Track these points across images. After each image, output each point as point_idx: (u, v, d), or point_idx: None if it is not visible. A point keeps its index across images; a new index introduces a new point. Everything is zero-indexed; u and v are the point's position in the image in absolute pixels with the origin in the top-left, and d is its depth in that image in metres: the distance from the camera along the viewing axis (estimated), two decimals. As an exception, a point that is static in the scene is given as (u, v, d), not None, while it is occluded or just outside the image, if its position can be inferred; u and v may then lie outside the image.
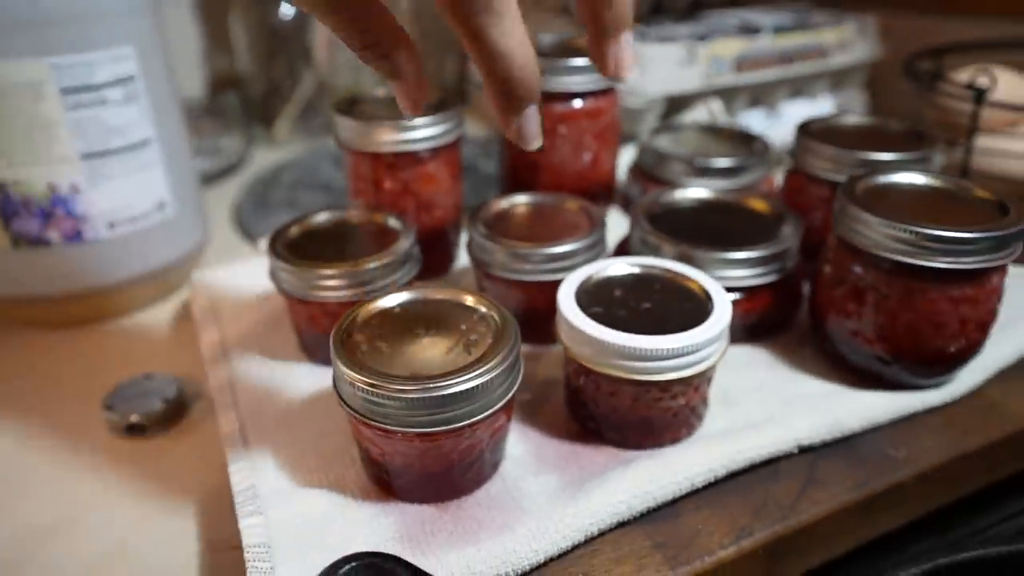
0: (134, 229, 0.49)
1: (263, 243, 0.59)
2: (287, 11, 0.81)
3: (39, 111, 0.43)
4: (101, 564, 0.32)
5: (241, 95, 0.88)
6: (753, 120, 0.70)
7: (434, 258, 0.48)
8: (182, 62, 0.88)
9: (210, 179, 0.75)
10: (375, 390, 0.28)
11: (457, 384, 0.28)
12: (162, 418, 0.41)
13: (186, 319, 0.50)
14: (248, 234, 0.63)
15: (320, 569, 0.26)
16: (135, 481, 0.37)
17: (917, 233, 0.33)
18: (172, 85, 0.52)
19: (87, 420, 0.42)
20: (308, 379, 0.39)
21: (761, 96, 0.72)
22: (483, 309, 0.33)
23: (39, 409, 0.43)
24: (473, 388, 0.28)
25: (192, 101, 0.88)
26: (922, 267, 0.33)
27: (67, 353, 0.47)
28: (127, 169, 0.47)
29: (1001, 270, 0.34)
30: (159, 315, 0.52)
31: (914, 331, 0.35)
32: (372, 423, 0.29)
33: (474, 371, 0.29)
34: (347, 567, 0.25)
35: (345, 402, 0.30)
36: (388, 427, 0.29)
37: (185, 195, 0.53)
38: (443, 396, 0.28)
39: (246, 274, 0.49)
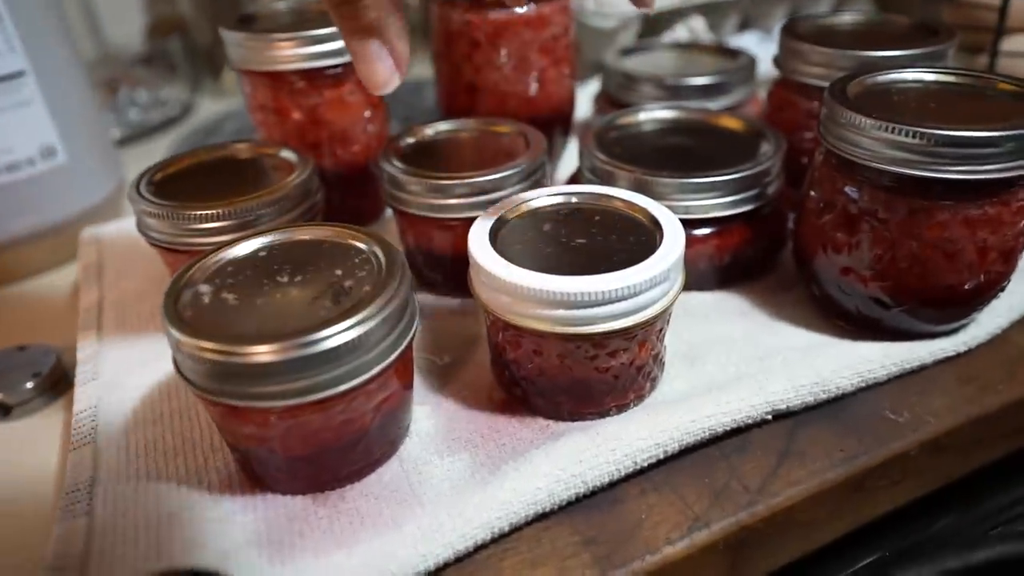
0: (14, 178, 0.42)
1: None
2: (226, -57, 0.73)
3: None
4: None
5: (185, 41, 0.80)
6: (746, 45, 0.62)
7: (355, 201, 0.41)
8: (115, 4, 0.80)
9: (151, 131, 0.68)
10: (210, 355, 0.21)
11: (320, 341, 0.22)
12: (34, 396, 0.35)
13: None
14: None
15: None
16: (-13, 472, 0.31)
17: (924, 136, 0.25)
18: (57, 10, 0.45)
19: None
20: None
21: (754, 15, 0.63)
22: (364, 247, 0.26)
23: None
24: (341, 346, 0.22)
25: (129, 48, 0.81)
26: (931, 180, 0.26)
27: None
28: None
29: (1030, 186, 0.27)
30: (54, 281, 0.45)
31: (920, 264, 0.27)
32: (210, 397, 0.22)
33: (341, 324, 0.22)
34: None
35: (180, 371, 0.23)
36: (232, 402, 0.22)
37: (83, 140, 0.46)
38: (299, 359, 0.22)
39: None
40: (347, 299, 0.23)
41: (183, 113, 0.73)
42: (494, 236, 0.27)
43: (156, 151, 0.64)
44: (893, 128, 0.26)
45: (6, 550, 0.27)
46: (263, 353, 0.21)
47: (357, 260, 0.25)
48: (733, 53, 0.48)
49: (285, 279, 0.25)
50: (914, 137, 0.26)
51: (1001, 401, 0.28)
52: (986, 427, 0.28)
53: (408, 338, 0.24)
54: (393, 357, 0.24)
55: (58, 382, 0.36)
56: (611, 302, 0.24)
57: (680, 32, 0.57)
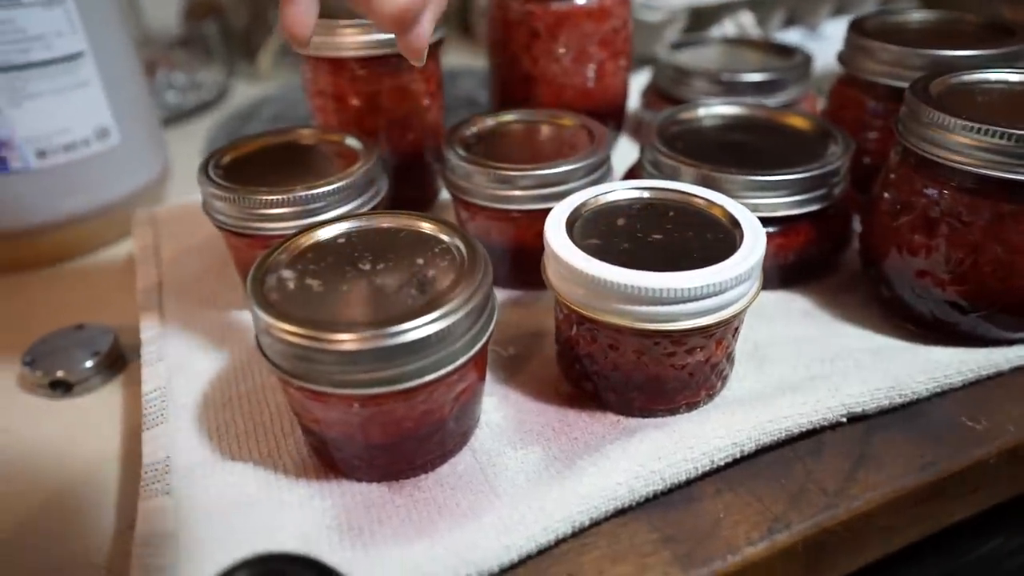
0: (70, 159, 0.42)
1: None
2: (267, -73, 0.73)
3: (-63, 13, 0.36)
4: (5, 546, 0.27)
5: (221, 24, 0.80)
6: (792, 36, 0.61)
7: (411, 191, 0.41)
8: (155, -13, 0.80)
9: (187, 115, 0.68)
10: (299, 340, 0.21)
11: (406, 332, 0.21)
12: (93, 374, 0.35)
13: (130, 264, 0.44)
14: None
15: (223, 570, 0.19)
16: (53, 447, 0.31)
17: (1014, 137, 0.25)
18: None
19: (6, 376, 0.36)
20: (250, 330, 0.33)
21: (800, 12, 0.62)
22: (445, 239, 0.26)
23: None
24: (427, 337, 0.22)
25: (166, 31, 0.81)
26: (1019, 183, 0.25)
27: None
28: (57, 87, 0.41)
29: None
30: (105, 260, 0.45)
31: (1005, 269, 0.27)
32: (298, 383, 0.22)
33: (429, 315, 0.22)
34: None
35: (265, 355, 0.23)
36: (319, 388, 0.22)
37: (134, 122, 0.46)
38: (388, 348, 0.21)
39: (197, 211, 0.43)
40: (432, 289, 0.23)
41: (218, 96, 0.73)
42: (570, 229, 0.27)
43: (195, 133, 0.64)
44: (982, 129, 0.26)
45: (72, 519, 0.27)
46: (353, 341, 0.21)
47: (437, 250, 0.25)
48: (786, 50, 0.47)
49: (367, 266, 0.25)
50: (1004, 138, 0.25)
51: (1078, 410, 0.28)
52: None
53: (489, 331, 0.24)
54: (476, 349, 0.23)
55: (116, 361, 0.36)
56: (695, 299, 0.24)
57: (728, 27, 0.57)
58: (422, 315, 0.22)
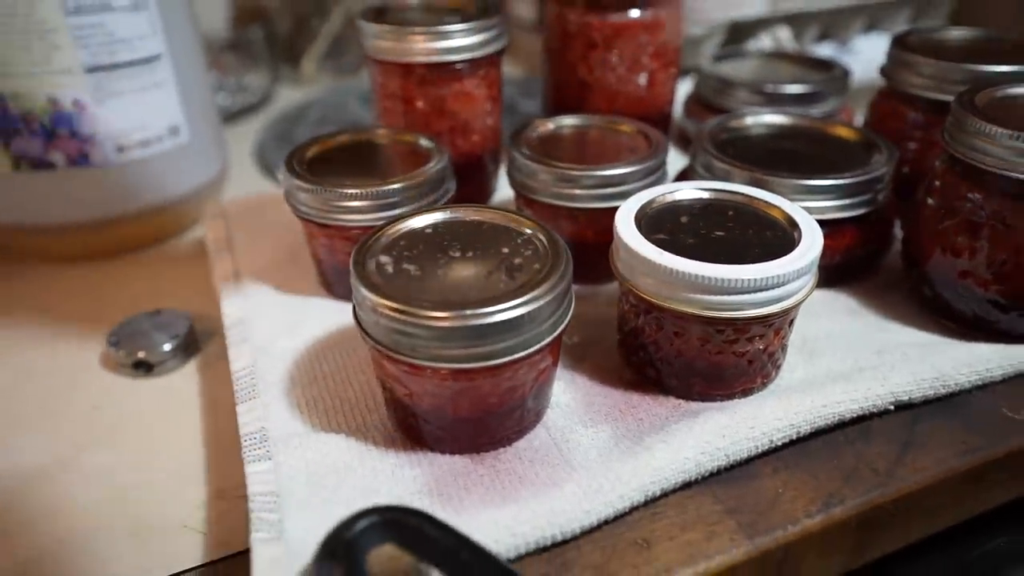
0: (145, 154, 0.45)
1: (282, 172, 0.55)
2: (315, -63, 0.76)
3: (36, 14, 0.39)
4: (99, 510, 0.29)
5: (267, 30, 0.83)
6: (825, 50, 0.63)
7: (469, 189, 0.43)
8: (205, -7, 0.83)
9: (233, 116, 0.71)
10: (401, 317, 0.24)
11: (499, 313, 0.24)
12: (171, 356, 0.38)
13: (202, 255, 0.46)
14: (270, 172, 0.59)
15: (334, 523, 0.21)
16: (140, 422, 0.34)
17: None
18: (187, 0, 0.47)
19: (91, 358, 0.38)
20: (327, 315, 0.35)
21: (832, 27, 0.64)
22: (528, 231, 0.28)
23: (41, 344, 0.39)
24: (517, 318, 0.24)
25: (215, 35, 0.84)
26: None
27: (72, 287, 0.44)
28: (137, 86, 0.43)
29: None
30: (173, 250, 0.48)
31: (1044, 270, 0.29)
32: (398, 356, 0.24)
33: (519, 298, 0.24)
34: (365, 522, 0.21)
35: (366, 332, 0.25)
36: (416, 361, 0.24)
37: (201, 121, 0.49)
38: (482, 326, 0.24)
39: (265, 204, 0.45)
40: (520, 275, 0.26)
41: (263, 100, 0.75)
42: (638, 224, 0.29)
43: (244, 134, 0.66)
44: (1004, 138, 0.28)
45: (163, 487, 0.29)
46: (450, 319, 0.23)
47: (520, 241, 0.27)
48: (824, 64, 0.49)
49: (457, 254, 0.27)
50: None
51: (1113, 405, 0.29)
52: (1095, 429, 0.29)
53: (568, 316, 0.26)
54: (557, 332, 0.26)
55: (191, 344, 0.39)
56: (759, 291, 0.26)
57: (765, 40, 0.59)
58: (513, 298, 0.24)
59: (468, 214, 0.29)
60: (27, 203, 0.44)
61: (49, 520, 0.28)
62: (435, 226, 0.29)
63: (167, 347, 0.37)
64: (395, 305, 0.24)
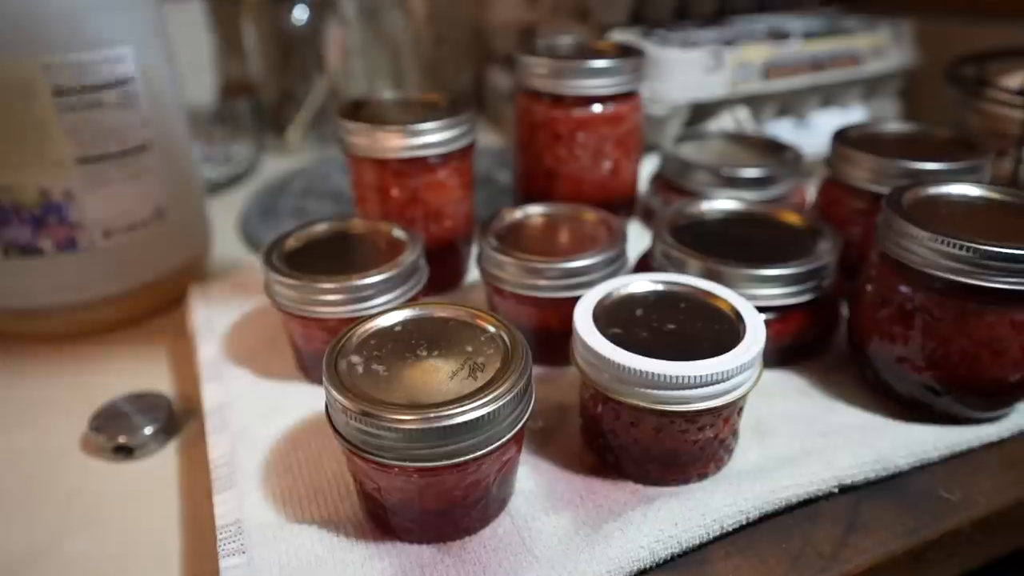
0: (131, 238, 0.47)
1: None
2: (300, 16, 0.79)
3: (30, 112, 0.41)
4: None
5: (253, 101, 0.86)
6: (781, 130, 0.67)
7: (443, 272, 0.45)
8: (192, 67, 0.86)
9: (219, 187, 0.73)
10: (370, 419, 0.25)
11: (462, 414, 0.25)
12: (151, 439, 0.39)
13: (182, 334, 0.48)
14: (254, 244, 0.61)
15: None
16: (119, 507, 0.35)
17: (975, 250, 0.29)
18: (175, 87, 0.50)
19: (72, 441, 0.39)
20: (305, 400, 0.37)
21: (790, 105, 0.68)
22: (491, 329, 0.30)
23: (23, 429, 0.40)
24: (479, 418, 0.26)
25: (202, 107, 0.87)
26: (981, 287, 0.30)
27: (57, 368, 0.45)
28: (125, 175, 0.45)
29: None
30: (156, 328, 0.49)
31: (970, 358, 0.31)
32: (367, 456, 0.26)
33: (481, 399, 0.26)
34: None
35: (337, 431, 0.27)
36: (384, 460, 0.26)
37: (186, 202, 0.51)
38: (446, 427, 0.25)
39: (247, 287, 0.47)
40: (482, 375, 0.27)
41: (249, 169, 0.78)
42: (595, 319, 0.31)
43: (231, 204, 0.68)
44: (945, 241, 0.30)
45: (144, 569, 0.30)
46: (416, 421, 0.25)
47: (483, 339, 0.29)
48: (779, 147, 0.52)
49: (424, 353, 0.29)
50: (963, 250, 0.30)
51: (1042, 484, 0.31)
52: (1028, 507, 0.31)
53: (529, 410, 0.28)
54: (519, 427, 0.27)
55: (171, 426, 0.40)
56: (706, 385, 0.28)
57: (725, 120, 0.62)
58: (476, 399, 0.26)
59: (435, 311, 0.31)
60: (14, 288, 0.45)
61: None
62: (404, 323, 0.30)
63: (148, 431, 0.39)
64: (364, 408, 0.25)
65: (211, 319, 0.44)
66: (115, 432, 0.38)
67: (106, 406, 0.40)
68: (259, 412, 0.36)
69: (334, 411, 0.27)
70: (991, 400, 0.32)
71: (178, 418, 0.40)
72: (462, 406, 0.25)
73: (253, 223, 0.64)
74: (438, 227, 0.43)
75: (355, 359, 0.28)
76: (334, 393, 0.26)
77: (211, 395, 0.37)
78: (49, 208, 0.43)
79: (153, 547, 0.32)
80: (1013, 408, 0.34)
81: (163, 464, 0.38)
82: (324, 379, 0.27)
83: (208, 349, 0.41)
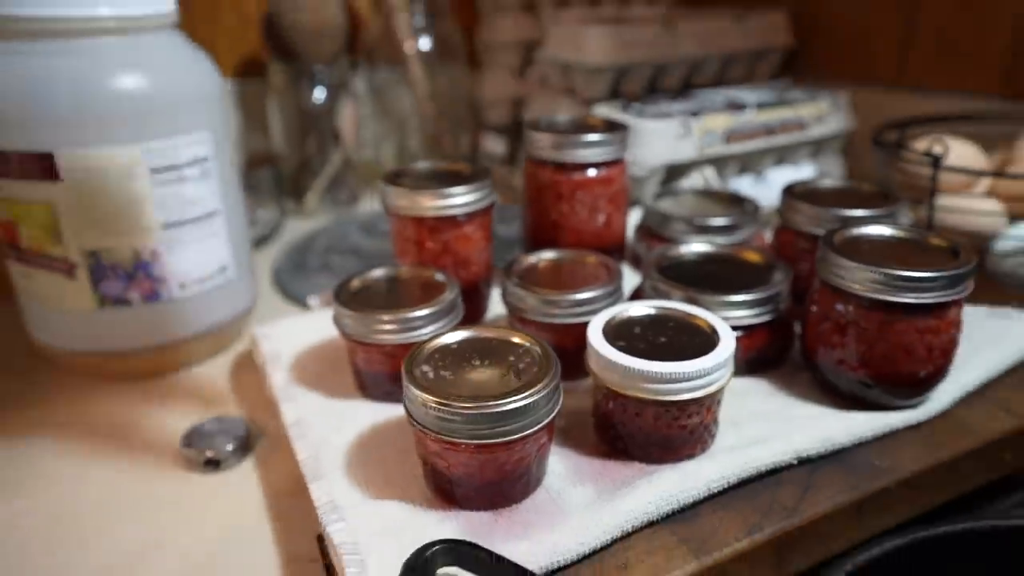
0: (200, 290, 0.55)
1: (312, 300, 0.66)
2: (319, 96, 0.90)
3: (131, 188, 0.50)
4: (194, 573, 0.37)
5: (275, 171, 0.96)
6: (743, 185, 0.78)
7: (469, 308, 0.54)
8: (221, 142, 0.96)
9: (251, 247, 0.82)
10: (444, 407, 0.34)
11: (511, 403, 0.34)
12: (232, 455, 0.47)
13: (242, 368, 0.56)
14: (288, 294, 0.69)
15: (409, 551, 0.31)
16: (214, 509, 0.42)
17: (887, 275, 0.39)
18: (234, 162, 0.59)
19: (165, 458, 0.47)
20: (367, 413, 0.45)
21: (749, 164, 0.80)
22: (527, 344, 0.39)
23: (124, 450, 0.48)
24: (524, 406, 0.34)
25: (229, 177, 0.96)
26: (893, 303, 0.40)
27: (144, 400, 0.53)
28: (198, 236, 0.54)
29: (957, 304, 0.41)
30: (217, 366, 0.57)
31: (889, 358, 0.41)
32: (441, 437, 0.34)
33: (524, 392, 0.35)
34: (432, 550, 0.30)
35: (416, 422, 0.35)
36: (454, 439, 0.34)
37: (241, 259, 0.60)
38: (499, 412, 0.34)
39: (299, 326, 0.55)
40: (524, 376, 0.36)
41: (272, 232, 0.87)
42: (605, 335, 0.40)
43: (262, 262, 0.77)
44: (867, 269, 0.40)
45: (245, 558, 0.38)
46: (476, 408, 0.34)
47: (521, 351, 0.38)
48: (741, 200, 0.63)
49: (477, 362, 0.37)
50: (880, 275, 0.40)
51: (950, 454, 0.41)
52: (940, 473, 0.40)
53: (559, 404, 0.37)
54: (552, 415, 0.36)
55: (248, 444, 0.48)
56: (692, 379, 0.37)
57: (695, 178, 0.73)
58: (521, 392, 0.34)
59: (482, 332, 0.40)
60: (107, 333, 0.53)
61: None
62: (460, 342, 0.39)
63: (229, 447, 0.47)
64: (437, 400, 0.34)
65: (276, 353, 0.52)
66: (203, 448, 0.46)
67: (195, 427, 0.48)
68: (330, 424, 0.44)
69: (414, 406, 0.35)
70: (907, 391, 0.42)
71: (252, 437, 0.48)
72: (510, 397, 0.34)
73: (286, 277, 0.73)
74: (466, 272, 0.52)
75: (426, 368, 0.37)
76: (414, 391, 0.35)
77: (289, 412, 0.45)
78: (139, 266, 0.52)
79: (248, 538, 0.40)
80: (927, 397, 0.43)
81: (245, 474, 0.46)
82: (404, 382, 0.36)
83: (279, 376, 0.49)
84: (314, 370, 0.50)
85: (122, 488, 0.44)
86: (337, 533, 0.35)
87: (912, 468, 0.39)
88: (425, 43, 0.91)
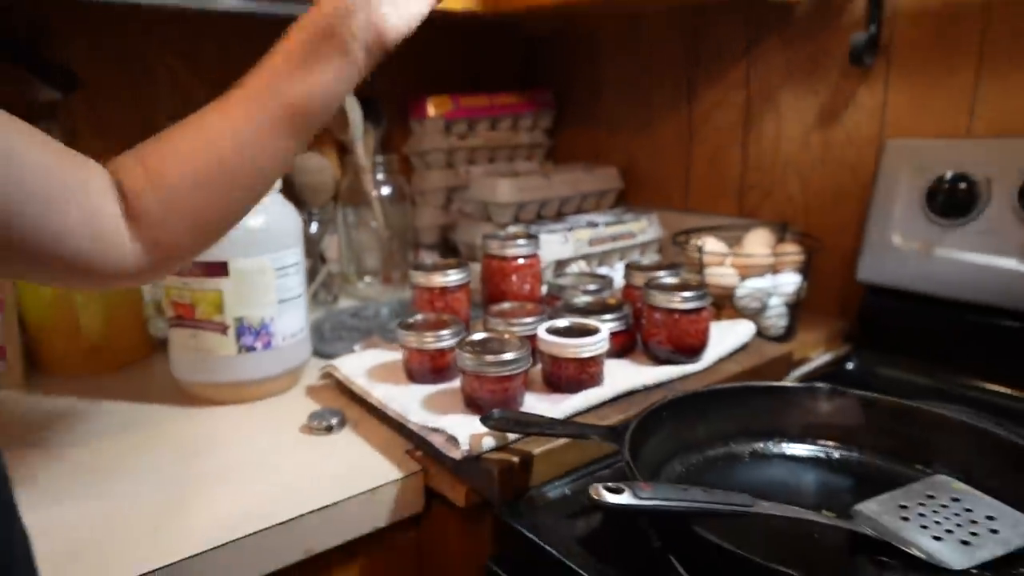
0: (293, 341, 0.91)
1: (356, 347, 1.01)
2: (312, 229, 1.28)
3: (265, 280, 0.86)
4: (336, 484, 0.73)
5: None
6: (602, 270, 1.25)
7: (459, 340, 0.93)
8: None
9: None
10: (480, 356, 0.73)
11: (508, 355, 0.74)
12: (338, 426, 0.82)
13: (315, 390, 0.91)
14: (318, 352, 1.04)
15: (466, 435, 0.69)
16: (335, 453, 0.78)
17: (677, 296, 0.84)
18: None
19: (299, 429, 0.81)
20: (418, 392, 0.82)
21: (605, 259, 1.27)
22: (517, 341, 0.79)
23: (275, 427, 0.82)
24: (515, 359, 0.74)
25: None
26: (677, 308, 0.84)
27: (268, 408, 0.87)
28: (292, 308, 0.91)
29: (706, 309, 0.86)
30: (297, 390, 0.92)
31: (680, 338, 0.85)
32: (480, 372, 0.73)
33: (513, 352, 0.75)
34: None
35: (467, 371, 0.74)
36: (486, 373, 0.73)
37: (306, 323, 0.96)
38: (503, 360, 0.73)
39: (353, 361, 0.92)
40: (510, 347, 0.76)
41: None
42: (548, 332, 0.82)
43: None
44: (670, 293, 0.85)
45: (373, 467, 0.74)
46: (493, 358, 0.73)
47: (515, 341, 0.79)
48: (602, 276, 1.08)
49: (491, 346, 0.77)
50: (675, 296, 0.84)
51: (712, 382, 0.84)
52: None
53: (528, 362, 0.77)
54: (526, 366, 0.76)
55: (343, 421, 0.83)
56: (592, 345, 0.79)
57: (574, 266, 1.19)
58: (514, 352, 0.74)
59: (491, 335, 0.80)
60: (241, 371, 0.87)
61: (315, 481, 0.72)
62: (482, 338, 0.79)
63: (335, 421, 0.82)
64: (477, 354, 0.73)
65: (352, 372, 0.88)
66: (322, 421, 0.81)
67: (316, 411, 0.83)
68: (400, 399, 0.81)
69: (463, 362, 0.74)
70: (690, 355, 0.86)
71: (344, 418, 0.84)
72: (509, 354, 0.74)
73: (315, 341, 1.08)
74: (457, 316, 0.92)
75: (467, 348, 0.76)
76: (466, 354, 0.74)
77: (376, 392, 0.82)
78: (263, 326, 0.87)
79: (357, 462, 0.75)
80: (699, 358, 0.88)
81: (347, 435, 0.81)
82: (456, 352, 0.74)
83: (361, 381, 0.85)
84: (375, 376, 0.87)
85: (282, 441, 0.78)
86: (429, 432, 0.72)
87: (694, 389, 0.83)
88: (386, 190, 1.33)
